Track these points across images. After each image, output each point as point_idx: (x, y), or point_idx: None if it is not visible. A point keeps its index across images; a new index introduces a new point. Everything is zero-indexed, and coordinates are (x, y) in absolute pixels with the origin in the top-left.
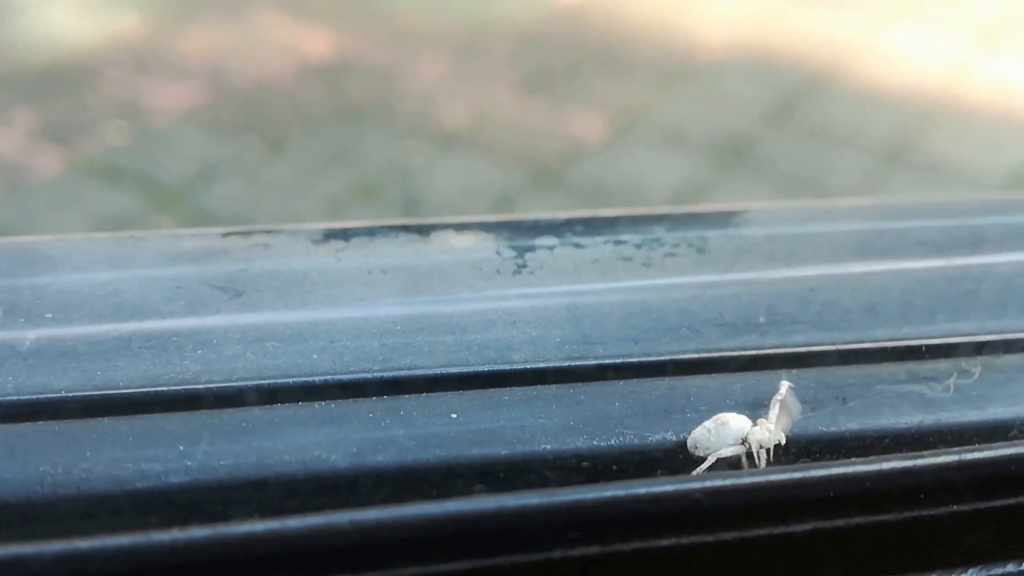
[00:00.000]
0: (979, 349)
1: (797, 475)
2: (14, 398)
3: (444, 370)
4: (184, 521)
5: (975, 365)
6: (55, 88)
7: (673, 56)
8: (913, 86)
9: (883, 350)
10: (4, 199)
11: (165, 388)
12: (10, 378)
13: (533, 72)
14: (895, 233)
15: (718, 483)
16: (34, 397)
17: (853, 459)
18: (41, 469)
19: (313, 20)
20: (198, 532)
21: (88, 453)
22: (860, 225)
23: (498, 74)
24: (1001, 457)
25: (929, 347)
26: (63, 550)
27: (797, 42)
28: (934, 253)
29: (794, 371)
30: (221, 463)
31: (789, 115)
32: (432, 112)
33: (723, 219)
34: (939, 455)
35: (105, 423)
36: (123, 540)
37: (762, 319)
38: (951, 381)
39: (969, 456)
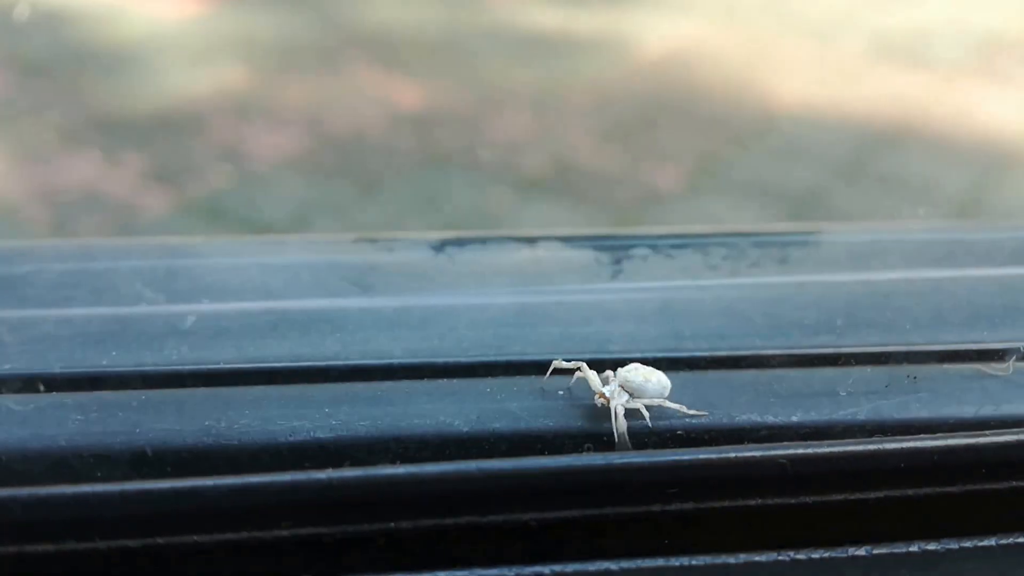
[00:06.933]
0: None
1: (872, 447)
2: (179, 367)
3: (551, 356)
4: (335, 466)
5: None
6: (164, 134)
7: (749, 110)
8: (986, 142)
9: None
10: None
11: (309, 363)
12: (175, 351)
13: (614, 124)
14: (957, 245)
15: (800, 451)
16: (196, 367)
17: (922, 435)
18: (206, 423)
19: (405, 74)
20: (349, 471)
21: (246, 412)
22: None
23: (580, 126)
24: None
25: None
26: (235, 484)
27: (871, 98)
28: (990, 263)
29: (867, 367)
30: (361, 423)
31: (862, 168)
32: (516, 161)
33: (800, 235)
34: (1000, 434)
35: (258, 390)
36: (285, 476)
37: (839, 321)
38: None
39: None
